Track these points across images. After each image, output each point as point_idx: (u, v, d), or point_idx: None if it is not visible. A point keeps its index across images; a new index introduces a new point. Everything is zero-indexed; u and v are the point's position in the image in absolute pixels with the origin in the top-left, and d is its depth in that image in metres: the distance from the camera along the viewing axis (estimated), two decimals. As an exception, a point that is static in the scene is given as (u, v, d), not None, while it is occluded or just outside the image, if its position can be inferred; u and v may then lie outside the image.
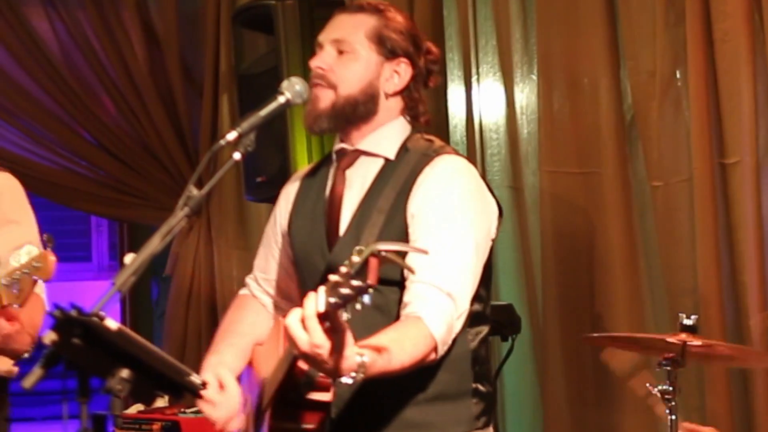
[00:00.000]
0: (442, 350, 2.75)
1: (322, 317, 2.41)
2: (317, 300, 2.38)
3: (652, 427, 4.63)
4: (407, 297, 2.79)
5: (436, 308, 2.74)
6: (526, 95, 5.20)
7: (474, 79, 5.31)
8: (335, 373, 2.50)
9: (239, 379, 3.06)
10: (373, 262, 2.35)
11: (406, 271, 2.75)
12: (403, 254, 2.46)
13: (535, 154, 5.09)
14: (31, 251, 3.28)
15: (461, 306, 2.80)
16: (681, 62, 4.55)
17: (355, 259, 2.34)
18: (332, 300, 2.35)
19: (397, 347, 2.63)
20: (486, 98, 5.34)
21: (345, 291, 2.34)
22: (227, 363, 3.04)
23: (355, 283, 2.33)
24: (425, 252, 2.48)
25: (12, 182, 3.83)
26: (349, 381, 2.52)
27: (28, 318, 3.52)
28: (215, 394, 2.95)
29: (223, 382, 2.97)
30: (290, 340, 2.47)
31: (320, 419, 2.75)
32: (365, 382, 2.59)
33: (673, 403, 3.81)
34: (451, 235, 2.83)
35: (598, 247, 4.90)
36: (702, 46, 4.42)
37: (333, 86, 2.95)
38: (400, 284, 2.83)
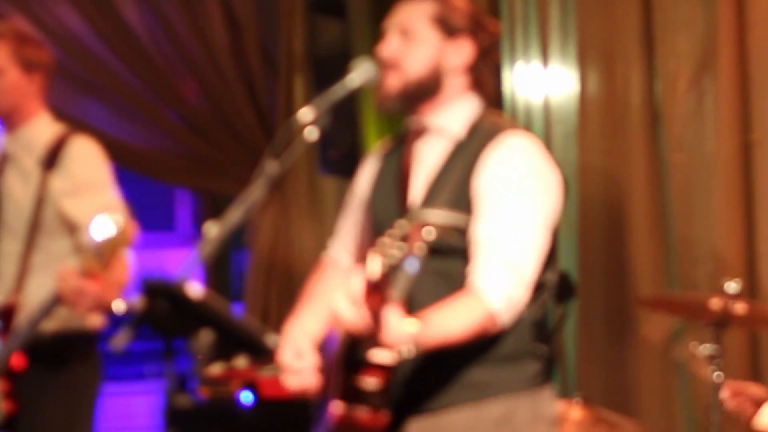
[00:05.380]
0: (503, 321, 2.75)
1: (373, 287, 2.46)
2: (370, 268, 2.42)
3: (681, 391, 4.64)
4: (470, 269, 2.79)
5: (496, 281, 2.74)
6: (563, 75, 5.20)
7: (518, 61, 5.34)
8: (383, 344, 2.55)
9: (323, 340, 3.07)
10: (416, 232, 2.40)
11: (470, 242, 2.77)
12: (449, 226, 2.52)
13: (573, 131, 5.10)
14: (114, 220, 3.32)
15: (525, 277, 2.78)
16: (712, 45, 4.52)
17: (400, 229, 2.42)
18: (381, 268, 2.41)
19: (450, 319, 2.68)
20: (528, 79, 5.36)
21: (391, 259, 2.41)
22: (307, 329, 3.01)
23: (399, 251, 2.40)
24: (459, 228, 2.50)
25: (89, 146, 3.82)
26: (404, 353, 2.57)
27: (115, 276, 3.57)
28: (292, 361, 2.95)
29: (301, 350, 2.96)
30: (339, 319, 2.54)
31: (385, 377, 2.76)
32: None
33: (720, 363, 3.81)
34: (515, 211, 2.82)
35: (627, 217, 4.87)
36: (734, 30, 4.38)
37: (399, 70, 2.96)
38: (465, 254, 2.82)
